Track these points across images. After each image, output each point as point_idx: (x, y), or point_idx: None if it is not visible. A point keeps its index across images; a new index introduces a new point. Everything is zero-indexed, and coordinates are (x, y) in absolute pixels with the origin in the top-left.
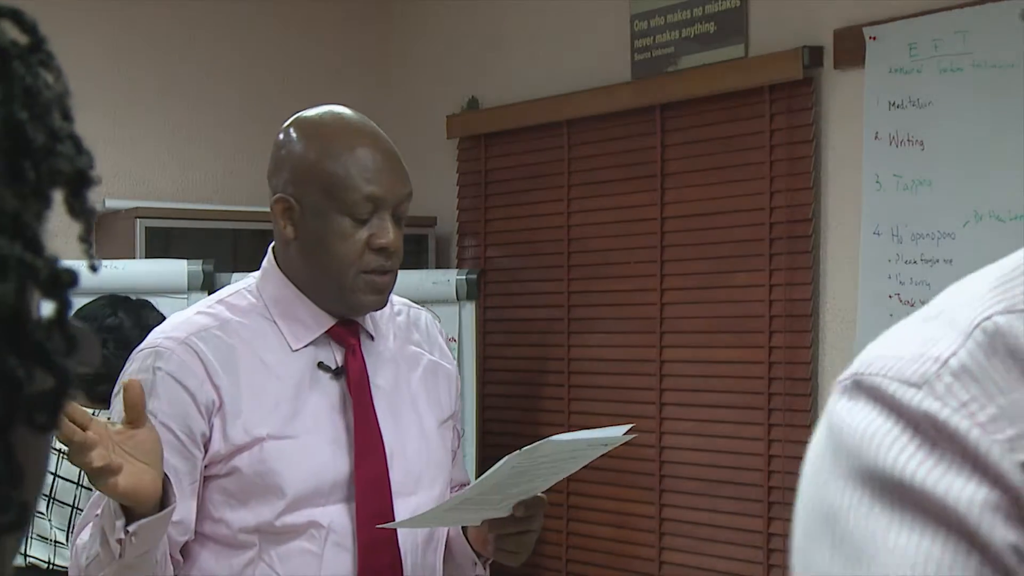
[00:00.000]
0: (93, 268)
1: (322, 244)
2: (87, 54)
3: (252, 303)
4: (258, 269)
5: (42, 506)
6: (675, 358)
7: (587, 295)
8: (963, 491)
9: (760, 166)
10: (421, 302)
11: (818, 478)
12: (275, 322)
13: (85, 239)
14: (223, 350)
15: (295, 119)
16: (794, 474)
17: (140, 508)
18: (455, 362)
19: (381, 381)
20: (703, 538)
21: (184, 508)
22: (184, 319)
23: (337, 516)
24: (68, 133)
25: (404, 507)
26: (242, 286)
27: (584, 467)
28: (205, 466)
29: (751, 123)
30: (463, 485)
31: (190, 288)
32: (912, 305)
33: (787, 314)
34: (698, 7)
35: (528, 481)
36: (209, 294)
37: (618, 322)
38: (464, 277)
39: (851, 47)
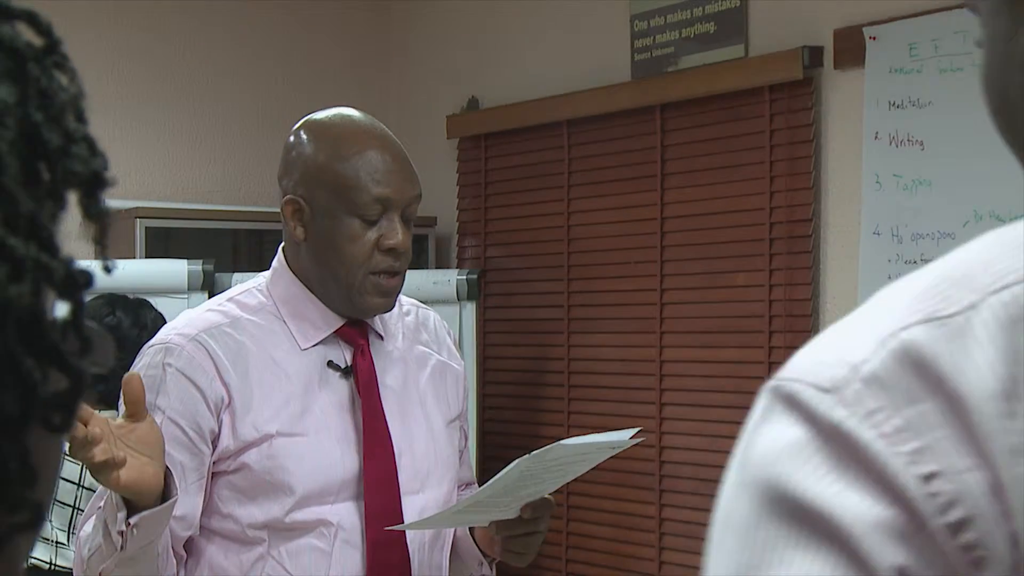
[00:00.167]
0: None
1: (331, 245)
2: (87, 54)
3: (262, 302)
4: (258, 269)
5: None
6: (675, 358)
7: (587, 295)
8: (857, 509)
9: (760, 166)
10: (421, 302)
11: (728, 487)
12: (284, 321)
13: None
14: (233, 347)
15: (305, 121)
16: None
17: (142, 501)
18: (463, 362)
19: (390, 380)
20: (703, 538)
21: (188, 504)
22: (195, 316)
23: (346, 514)
24: (83, 135)
25: (412, 505)
26: (252, 285)
27: None
28: (214, 462)
29: (751, 123)
30: (469, 484)
31: (190, 288)
32: None
33: (787, 314)
34: (698, 7)
35: (536, 484)
36: (209, 294)
37: (618, 322)
38: (464, 277)
39: (851, 47)
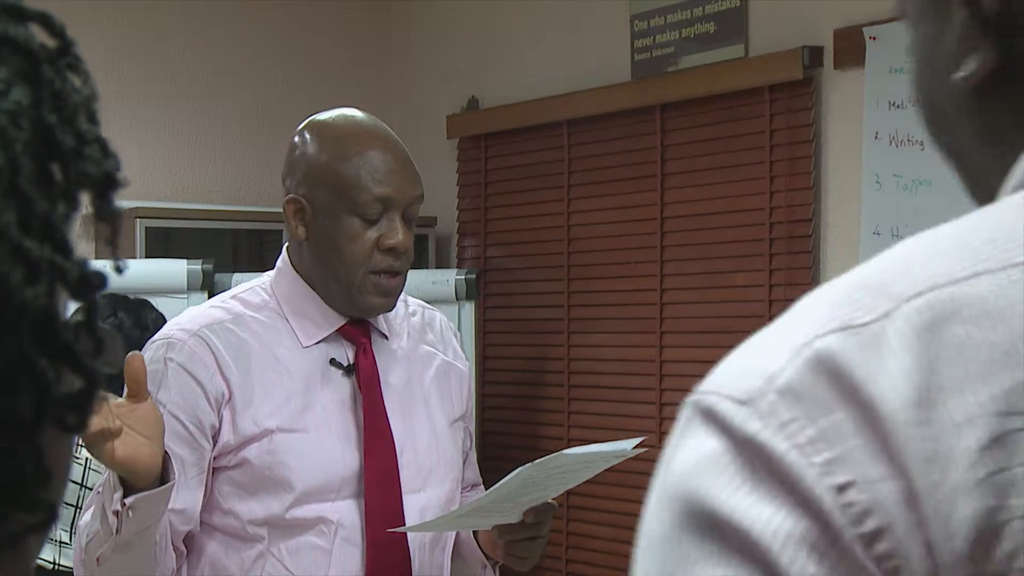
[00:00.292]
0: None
1: (332, 244)
2: (87, 54)
3: (265, 300)
4: (258, 269)
5: None
6: (675, 358)
7: (587, 295)
8: (770, 522)
9: (760, 166)
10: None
11: (650, 501)
12: (287, 319)
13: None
14: (235, 343)
15: (309, 122)
16: None
17: (138, 482)
18: (468, 364)
19: (393, 379)
20: None
21: (188, 498)
22: (198, 312)
23: (347, 512)
24: (95, 136)
25: (413, 504)
26: (257, 283)
27: None
28: (215, 457)
29: (751, 123)
30: (475, 486)
31: (190, 288)
32: None
33: None
34: (698, 7)
35: (539, 490)
36: (209, 294)
37: (618, 322)
38: (463, 277)
39: (851, 47)
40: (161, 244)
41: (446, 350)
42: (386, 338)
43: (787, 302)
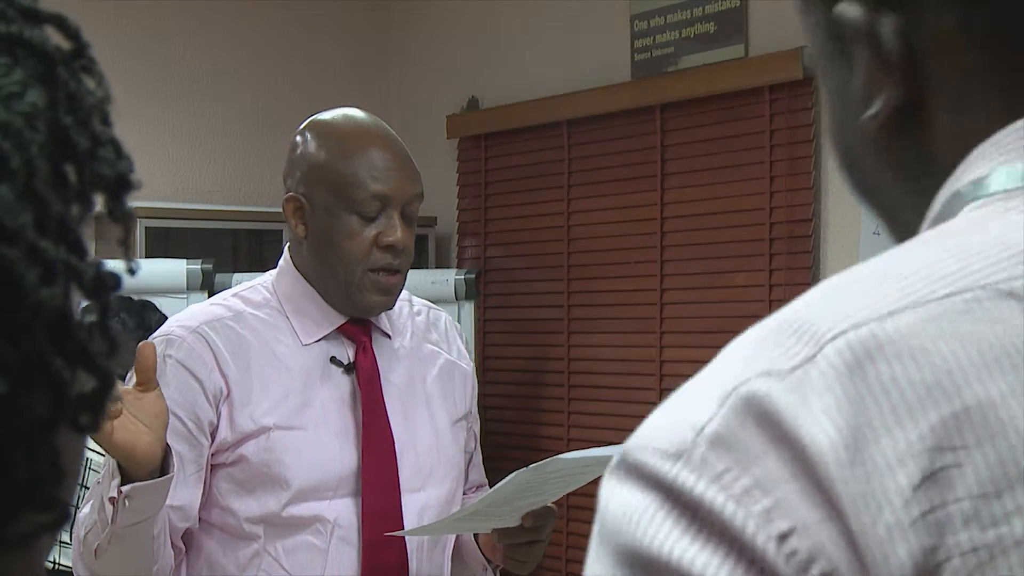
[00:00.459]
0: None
1: (330, 242)
2: None
3: (266, 297)
4: (258, 269)
5: None
6: (675, 358)
7: (587, 295)
8: (720, 569)
9: (760, 166)
10: None
11: (592, 540)
12: (287, 317)
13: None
14: (234, 340)
15: (309, 121)
16: None
17: (136, 470)
18: (472, 364)
19: (395, 378)
20: None
21: (187, 495)
22: (199, 309)
23: (343, 511)
24: (109, 138)
25: (412, 504)
26: (259, 282)
27: None
28: (212, 454)
29: (751, 123)
30: (480, 487)
31: (189, 288)
32: None
33: None
34: (698, 7)
35: (537, 494)
36: (209, 294)
37: (618, 322)
38: (462, 277)
39: None
40: (161, 244)
41: (450, 349)
42: (388, 337)
43: (787, 302)
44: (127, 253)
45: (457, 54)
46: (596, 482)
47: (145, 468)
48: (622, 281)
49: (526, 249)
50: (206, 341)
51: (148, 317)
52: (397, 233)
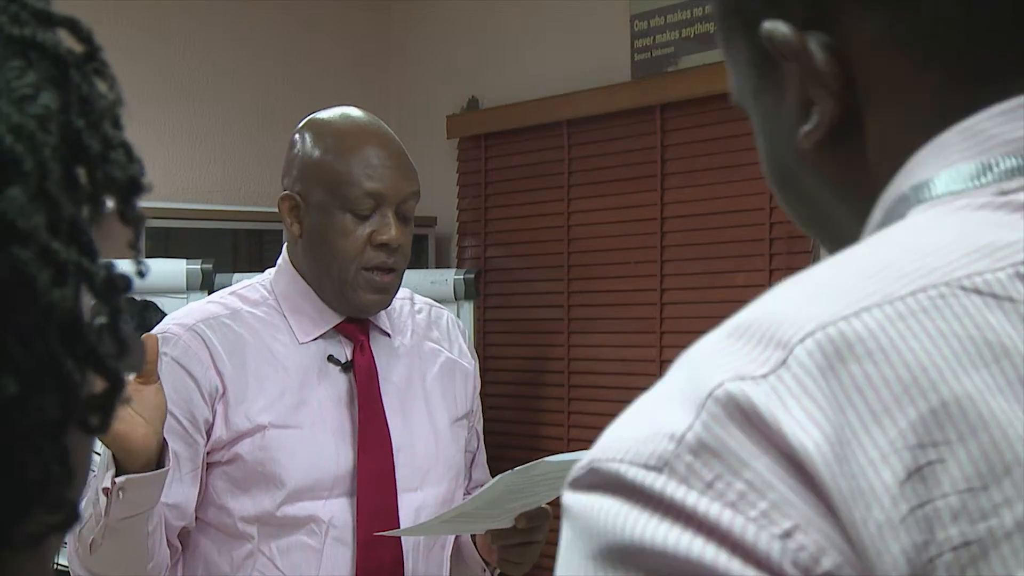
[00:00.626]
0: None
1: (324, 240)
2: None
3: (264, 296)
4: (258, 269)
5: None
6: (675, 358)
7: (587, 295)
8: (729, 563)
9: (760, 166)
10: None
11: (561, 543)
12: (285, 315)
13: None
14: (230, 338)
15: (307, 120)
16: None
17: (132, 464)
18: (474, 362)
19: (394, 377)
20: None
21: (182, 493)
22: (195, 307)
23: (339, 511)
24: (120, 141)
25: (409, 503)
26: (257, 280)
27: None
28: (208, 452)
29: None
30: (483, 486)
31: (189, 288)
32: None
33: None
34: (698, 7)
35: (527, 496)
36: (209, 294)
37: (618, 322)
38: (462, 277)
39: None
40: (161, 244)
41: (452, 347)
42: (388, 335)
43: None
44: (137, 256)
45: (457, 54)
46: None
47: (140, 459)
48: (622, 281)
49: (526, 249)
50: (202, 339)
51: (150, 318)
52: (391, 231)
